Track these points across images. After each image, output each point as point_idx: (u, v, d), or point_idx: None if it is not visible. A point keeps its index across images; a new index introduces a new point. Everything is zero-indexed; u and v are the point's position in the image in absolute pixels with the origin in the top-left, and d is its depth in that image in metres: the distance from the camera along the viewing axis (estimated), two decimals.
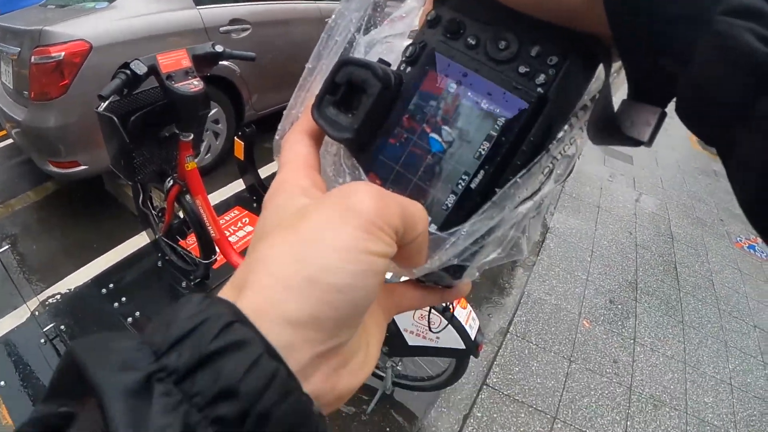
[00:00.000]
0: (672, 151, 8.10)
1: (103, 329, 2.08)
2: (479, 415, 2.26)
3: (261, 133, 2.38)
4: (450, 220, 0.30)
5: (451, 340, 1.84)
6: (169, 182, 2.11)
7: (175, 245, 2.36)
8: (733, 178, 0.23)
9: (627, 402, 2.60)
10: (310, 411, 0.20)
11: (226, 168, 3.18)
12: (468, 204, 0.30)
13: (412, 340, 1.91)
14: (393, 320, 1.85)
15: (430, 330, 1.80)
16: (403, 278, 0.35)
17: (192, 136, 1.98)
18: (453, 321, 1.80)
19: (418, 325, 1.89)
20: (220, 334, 0.18)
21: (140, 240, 2.81)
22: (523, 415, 2.32)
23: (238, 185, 3.31)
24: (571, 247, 3.95)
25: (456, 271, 0.31)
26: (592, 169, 5.92)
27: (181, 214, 2.23)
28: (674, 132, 10.06)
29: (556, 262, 3.65)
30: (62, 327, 2.12)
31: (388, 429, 2.15)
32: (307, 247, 0.22)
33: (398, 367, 2.13)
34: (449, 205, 0.30)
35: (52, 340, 2.04)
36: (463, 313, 1.86)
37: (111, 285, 2.36)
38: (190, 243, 2.36)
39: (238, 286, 0.22)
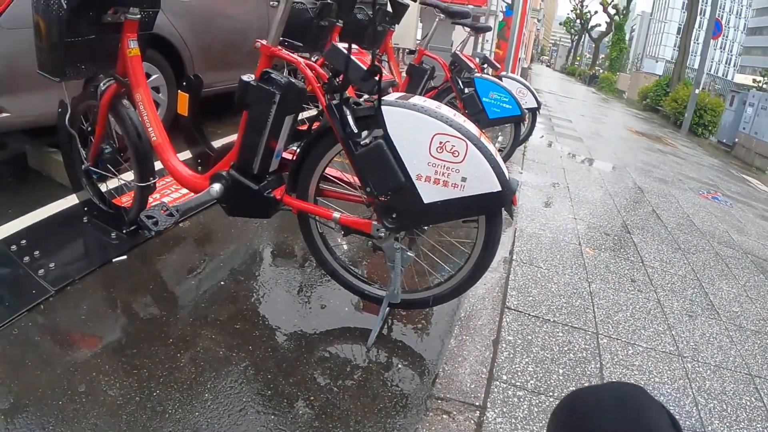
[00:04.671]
0: (616, 136, 8.67)
1: (4, 286, 1.78)
2: (511, 339, 1.89)
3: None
4: None
5: (481, 180, 1.35)
6: (105, 83, 1.85)
7: (104, 175, 2.06)
8: None
9: (662, 314, 2.35)
10: None
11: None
12: None
13: (428, 194, 1.40)
14: (401, 165, 1.38)
15: (454, 163, 1.34)
16: None
17: (138, 15, 1.76)
18: (481, 146, 1.33)
19: (436, 164, 1.36)
20: None
21: (66, 203, 2.36)
22: (561, 335, 1.98)
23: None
24: (548, 195, 3.84)
25: None
26: (546, 145, 6.07)
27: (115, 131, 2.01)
28: (613, 125, 10.87)
29: (538, 207, 3.49)
30: None
31: (398, 369, 1.69)
32: None
33: (409, 254, 1.59)
34: None
35: None
36: (491, 146, 1.40)
37: (23, 242, 2.01)
38: (124, 201, 2.20)
39: None
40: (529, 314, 2.07)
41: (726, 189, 6.12)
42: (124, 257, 2.04)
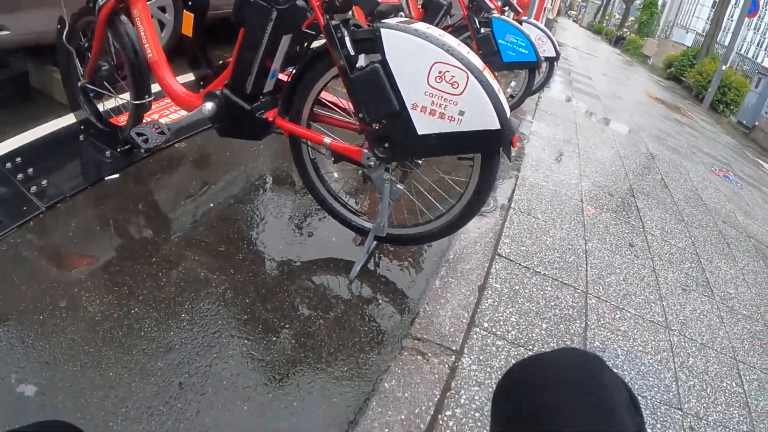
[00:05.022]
0: (635, 100, 8.31)
1: None
2: (498, 286, 1.78)
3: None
4: None
5: (480, 116, 1.24)
6: None
7: (100, 92, 2.01)
8: None
9: (656, 283, 2.25)
10: None
11: (174, 68, 2.53)
12: None
13: (423, 125, 1.29)
14: (396, 93, 1.28)
15: (453, 95, 1.23)
16: None
17: None
18: (482, 79, 1.22)
19: (434, 94, 1.25)
20: None
21: (63, 122, 2.25)
22: (549, 289, 1.88)
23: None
24: (555, 147, 3.66)
25: None
26: (562, 98, 5.78)
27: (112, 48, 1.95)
28: (633, 88, 10.46)
29: (544, 158, 3.31)
30: None
31: (378, 304, 1.59)
32: None
33: (399, 186, 1.50)
34: None
35: None
36: (494, 82, 1.27)
37: (18, 159, 1.97)
38: (121, 120, 2.14)
39: None
40: (519, 264, 1.95)
41: (738, 170, 5.93)
42: (117, 176, 1.95)
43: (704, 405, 1.65)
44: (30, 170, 1.87)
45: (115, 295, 1.40)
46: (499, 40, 3.10)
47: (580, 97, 6.21)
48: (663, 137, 5.74)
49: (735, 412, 1.68)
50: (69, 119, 2.23)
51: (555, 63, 3.88)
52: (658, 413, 1.54)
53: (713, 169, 5.26)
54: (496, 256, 1.94)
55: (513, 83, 3.89)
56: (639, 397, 1.46)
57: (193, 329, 1.35)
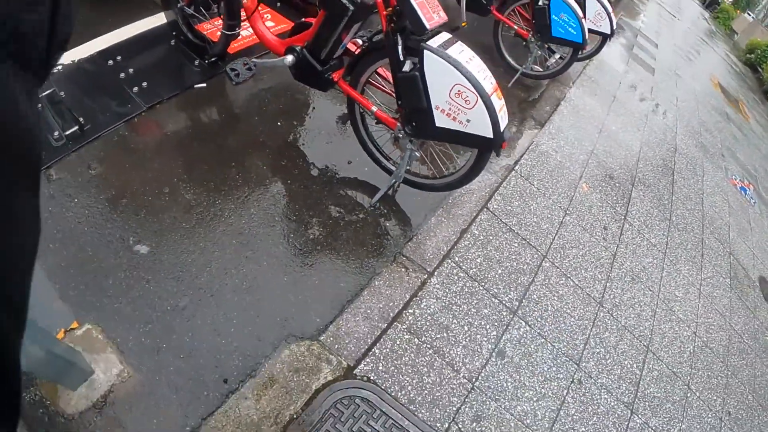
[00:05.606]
0: (693, 81, 8.10)
1: (105, 97, 2.13)
2: (476, 233, 2.24)
3: None
4: None
5: (480, 126, 1.75)
6: None
7: (195, 16, 2.33)
8: None
9: (610, 266, 2.69)
10: None
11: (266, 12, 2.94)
12: None
13: (440, 121, 1.80)
14: (426, 96, 1.76)
15: (465, 108, 1.72)
16: None
17: None
18: (488, 103, 1.71)
19: (452, 104, 1.76)
20: None
21: (156, 20, 2.59)
22: (516, 245, 2.33)
23: None
24: (582, 119, 3.89)
25: None
26: (615, 65, 5.77)
27: None
28: (699, 67, 10.06)
29: (566, 127, 3.58)
30: (62, 93, 2.05)
31: (386, 224, 2.13)
32: None
33: (417, 153, 2.02)
34: None
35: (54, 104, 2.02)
36: (498, 103, 1.76)
37: (119, 58, 2.30)
38: (207, 28, 2.49)
39: None
40: (500, 219, 2.39)
41: (764, 187, 5.97)
42: (204, 85, 2.37)
43: (599, 369, 2.17)
44: (131, 70, 2.23)
45: (204, 188, 1.96)
46: (553, 16, 3.31)
47: (634, 68, 6.16)
48: (699, 131, 5.81)
49: (624, 385, 2.20)
50: (161, 18, 2.56)
51: (609, 39, 3.97)
52: (558, 361, 2.06)
53: (733, 177, 5.35)
54: (485, 209, 2.37)
55: (557, 55, 4.04)
56: (549, 345, 1.99)
57: (258, 219, 1.94)
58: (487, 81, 1.75)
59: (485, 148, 1.85)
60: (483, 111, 1.72)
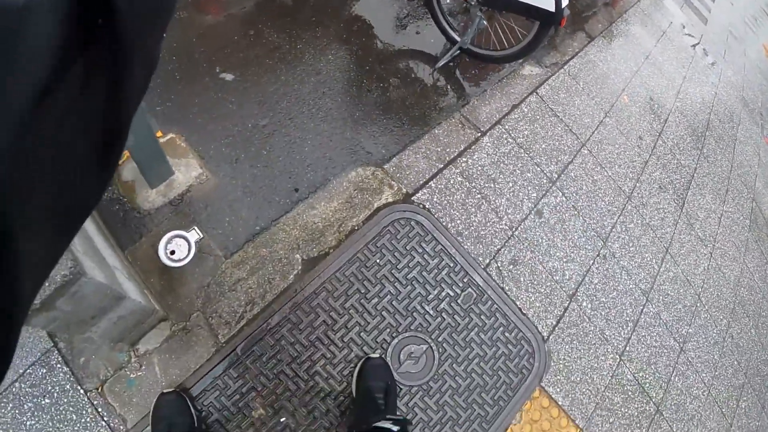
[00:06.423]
0: (744, 44, 7.92)
1: None
2: (525, 110, 2.43)
3: None
4: None
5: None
6: None
7: None
8: None
9: (641, 171, 2.87)
10: None
11: None
12: None
13: None
14: None
15: None
16: None
17: None
18: None
19: None
20: None
21: None
22: (559, 129, 2.52)
23: None
24: (630, 43, 3.97)
25: None
26: (668, 4, 5.72)
27: None
28: (753, 32, 9.76)
29: (615, 46, 3.67)
30: None
31: (447, 87, 2.40)
32: None
33: (484, 22, 2.24)
34: None
35: None
36: None
37: None
38: None
39: None
40: (547, 105, 2.58)
41: None
42: None
43: (622, 253, 2.41)
44: None
45: (286, 35, 2.20)
46: None
47: (687, 13, 6.08)
48: (742, 87, 5.79)
49: (642, 274, 2.43)
50: None
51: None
52: (588, 234, 2.30)
53: (766, 135, 5.42)
54: (534, 93, 2.55)
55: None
56: (580, 218, 2.24)
57: (334, 65, 2.22)
58: None
59: (545, 20, 2.03)
60: None
